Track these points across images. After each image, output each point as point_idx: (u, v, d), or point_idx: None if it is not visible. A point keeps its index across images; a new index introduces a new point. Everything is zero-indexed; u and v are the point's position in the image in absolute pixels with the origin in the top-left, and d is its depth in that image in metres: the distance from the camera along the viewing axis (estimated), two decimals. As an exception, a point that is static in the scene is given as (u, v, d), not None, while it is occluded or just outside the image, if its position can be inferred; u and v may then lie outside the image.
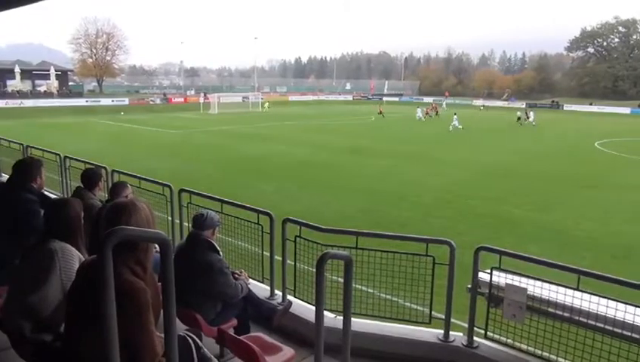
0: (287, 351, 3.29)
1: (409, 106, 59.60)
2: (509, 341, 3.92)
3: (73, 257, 2.94)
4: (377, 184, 16.44)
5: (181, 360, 2.08)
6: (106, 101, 61.76)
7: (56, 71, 64.83)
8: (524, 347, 3.83)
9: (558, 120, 50.19)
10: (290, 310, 4.47)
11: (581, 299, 3.50)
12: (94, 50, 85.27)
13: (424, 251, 4.15)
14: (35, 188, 4.26)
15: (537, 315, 3.73)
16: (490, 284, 3.92)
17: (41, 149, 9.63)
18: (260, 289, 4.91)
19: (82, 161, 8.11)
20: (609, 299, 3.44)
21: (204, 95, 59.40)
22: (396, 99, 78.47)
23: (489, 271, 3.92)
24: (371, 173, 18.59)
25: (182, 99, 69.58)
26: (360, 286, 4.15)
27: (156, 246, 2.56)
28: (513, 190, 15.98)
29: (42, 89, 64.40)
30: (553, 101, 79.38)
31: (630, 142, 30.54)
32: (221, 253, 3.99)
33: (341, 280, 2.71)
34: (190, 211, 5.58)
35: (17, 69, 61.56)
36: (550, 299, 3.65)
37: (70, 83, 74.61)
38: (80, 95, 67.48)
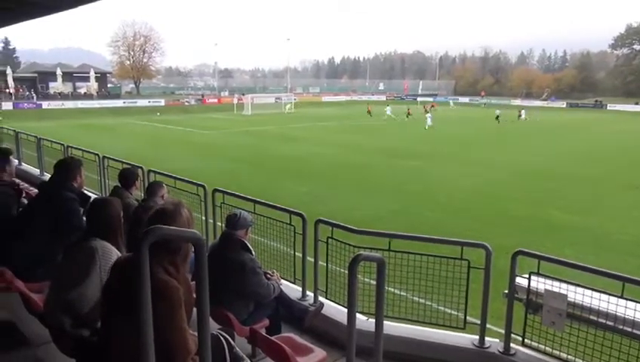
0: (319, 352, 3.30)
1: (443, 107, 58.81)
2: (547, 349, 3.81)
3: (113, 255, 3.02)
4: (408, 185, 16.28)
5: (214, 358, 2.12)
6: (142, 102, 63.30)
7: (95, 73, 66.86)
8: (563, 355, 3.71)
9: (602, 120, 48.52)
10: (322, 311, 4.47)
11: (625, 308, 3.36)
12: (132, 53, 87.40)
13: (459, 254, 4.09)
14: (76, 186, 4.39)
15: (578, 323, 3.60)
16: (529, 290, 3.82)
17: (80, 149, 9.94)
18: (292, 290, 4.92)
19: (120, 161, 8.33)
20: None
21: (240, 96, 60.11)
22: (430, 99, 77.29)
23: (527, 276, 3.82)
24: (402, 173, 18.44)
25: (216, 100, 70.68)
26: (392, 289, 4.11)
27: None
28: (550, 191, 15.56)
29: (82, 91, 66.54)
30: (597, 100, 76.66)
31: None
32: (254, 252, 4.03)
33: (373, 282, 2.70)
34: (223, 211, 5.65)
35: (59, 72, 63.80)
36: (592, 306, 3.52)
37: (109, 85, 76.84)
38: (118, 96, 69.44)
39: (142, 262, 1.82)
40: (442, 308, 4.34)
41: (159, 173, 7.01)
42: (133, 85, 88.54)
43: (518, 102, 78.39)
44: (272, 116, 47.28)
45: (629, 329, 3.37)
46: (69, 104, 56.51)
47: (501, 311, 4.09)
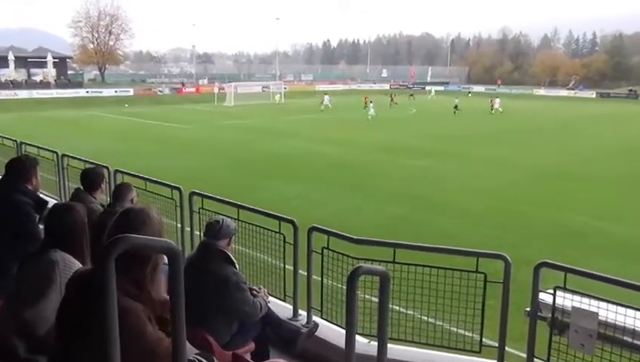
0: (313, 380, 3.30)
1: (453, 97, 59.06)
2: (575, 375, 3.83)
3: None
4: (414, 187, 16.35)
5: (191, 388, 2.11)
6: (108, 92, 63.22)
7: (53, 58, 66.72)
8: (593, 383, 3.73)
9: (636, 112, 48.77)
10: (316, 333, 4.47)
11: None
12: (96, 35, 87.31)
13: (473, 267, 4.10)
14: (30, 189, 4.38)
15: (611, 345, 3.62)
16: (554, 307, 3.84)
17: (36, 146, 9.92)
18: (282, 308, 4.92)
19: (82, 160, 8.30)
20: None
21: (222, 85, 60.05)
22: (441, 88, 77.66)
23: (551, 291, 3.84)
24: (406, 173, 18.53)
25: (193, 89, 70.64)
26: (397, 307, 4.13)
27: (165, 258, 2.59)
28: (572, 194, 15.69)
29: (38, 78, 66.32)
30: (631, 90, 77.04)
31: None
32: (237, 265, 4.03)
33: (375, 299, 2.70)
34: (202, 217, 5.65)
35: (11, 56, 63.59)
36: (627, 325, 3.54)
37: (69, 71, 76.66)
38: (80, 85, 69.27)
39: (107, 278, 1.80)
40: (454, 329, 4.34)
41: (128, 174, 6.99)
42: (97, 72, 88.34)
43: (541, 91, 78.87)
44: (259, 108, 47.27)
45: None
46: (23, 94, 56.35)
47: (522, 332, 4.11)
